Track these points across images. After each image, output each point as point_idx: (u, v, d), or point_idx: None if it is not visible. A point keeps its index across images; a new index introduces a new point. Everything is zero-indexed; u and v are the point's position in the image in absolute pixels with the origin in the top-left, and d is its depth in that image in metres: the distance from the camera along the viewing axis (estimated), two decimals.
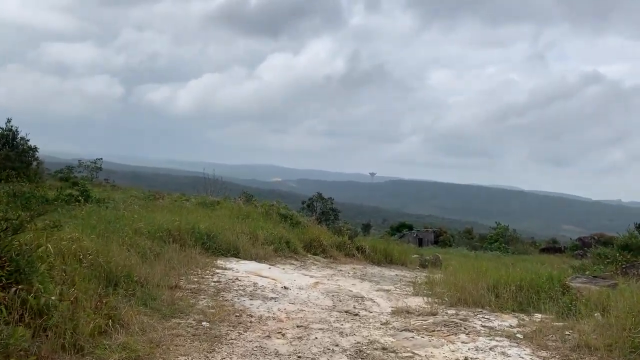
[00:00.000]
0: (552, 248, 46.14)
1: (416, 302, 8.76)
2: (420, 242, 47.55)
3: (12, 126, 26.06)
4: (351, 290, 9.05)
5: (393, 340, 5.99)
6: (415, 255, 24.84)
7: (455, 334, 6.30)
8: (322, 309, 7.51)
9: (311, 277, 10.23)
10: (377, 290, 9.44)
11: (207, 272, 9.17)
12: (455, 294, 9.02)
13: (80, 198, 12.55)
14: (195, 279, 8.40)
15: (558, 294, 9.05)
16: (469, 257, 35.08)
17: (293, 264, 12.10)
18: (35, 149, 25.24)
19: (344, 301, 8.16)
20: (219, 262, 10.42)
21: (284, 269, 10.83)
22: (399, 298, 8.99)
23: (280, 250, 13.21)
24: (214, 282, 8.37)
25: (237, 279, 8.82)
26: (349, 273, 12.09)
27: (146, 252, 8.62)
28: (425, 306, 8.35)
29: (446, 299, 9.05)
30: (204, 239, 11.20)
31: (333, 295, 8.43)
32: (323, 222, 22.73)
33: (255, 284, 8.59)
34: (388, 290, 9.60)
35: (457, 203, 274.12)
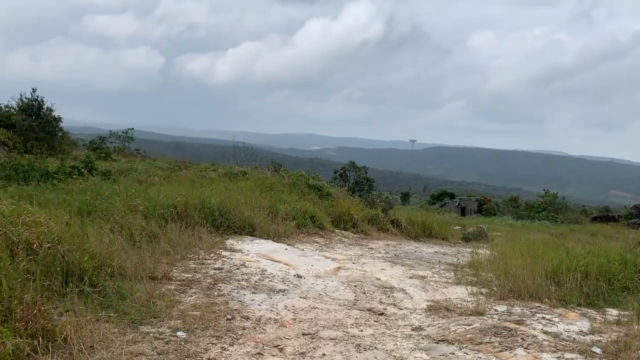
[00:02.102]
0: (605, 217, 43.37)
1: (458, 293, 7.24)
2: (463, 211, 45.47)
3: (37, 96, 25.44)
4: (379, 278, 7.58)
5: (426, 359, 4.52)
6: (457, 227, 23.09)
7: (510, 349, 4.76)
8: (340, 305, 6.09)
9: (333, 259, 8.80)
10: (411, 278, 7.94)
11: (212, 255, 7.88)
12: (506, 282, 7.45)
13: (83, 171, 11.43)
14: (193, 266, 7.11)
15: (637, 283, 7.38)
16: (516, 227, 33.04)
17: (316, 243, 10.70)
18: (59, 119, 24.54)
19: (368, 294, 6.71)
20: (229, 242, 9.12)
21: (303, 249, 9.44)
22: (436, 288, 7.48)
23: (304, 226, 11.83)
24: (215, 269, 7.06)
25: (243, 264, 7.48)
26: (379, 252, 10.63)
27: (136, 234, 7.37)
28: (470, 300, 6.83)
29: (495, 288, 7.49)
30: (215, 216, 9.92)
31: (356, 286, 6.99)
32: (356, 193, 21.20)
33: (263, 271, 7.23)
34: (424, 277, 8.08)
35: (501, 169, 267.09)
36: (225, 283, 6.42)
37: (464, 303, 6.70)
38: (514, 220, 40.02)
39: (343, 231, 13.31)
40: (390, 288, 7.11)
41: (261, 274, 7.03)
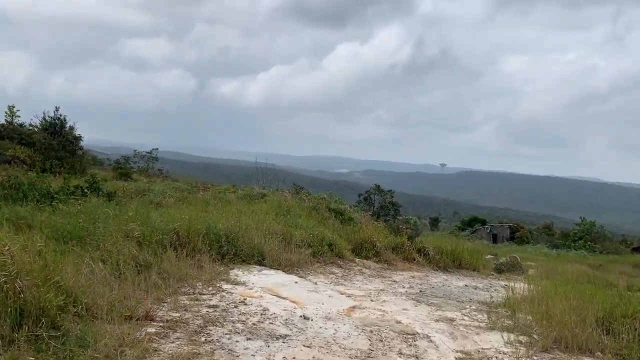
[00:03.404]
0: None
1: (492, 341, 6.14)
2: (495, 239, 43.80)
3: (60, 115, 25.34)
4: (400, 321, 6.53)
5: None
6: (489, 256, 21.72)
7: None
8: (351, 357, 5.08)
9: (349, 295, 7.79)
10: (437, 321, 6.87)
11: (210, 289, 6.97)
12: (549, 329, 6.33)
13: (86, 191, 10.76)
14: (185, 302, 6.20)
15: None
16: (551, 257, 31.36)
17: (333, 274, 9.70)
18: (80, 138, 24.33)
19: (386, 341, 5.68)
20: (233, 272, 8.22)
21: (315, 282, 8.45)
22: (467, 334, 6.39)
23: (321, 254, 10.85)
24: (209, 307, 6.14)
25: (243, 301, 6.54)
26: (403, 287, 9.56)
27: (123, 264, 6.51)
28: (506, 351, 5.74)
29: (535, 336, 6.38)
30: (221, 242, 9.04)
31: (372, 331, 5.97)
32: (381, 218, 20.13)
33: (265, 310, 6.27)
34: (452, 320, 7.00)
35: (533, 196, 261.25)
36: (217, 325, 5.48)
37: (500, 355, 5.62)
38: (548, 249, 38.25)
39: (364, 260, 12.28)
40: (413, 334, 6.06)
41: (262, 314, 6.07)
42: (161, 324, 5.28)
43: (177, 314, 5.68)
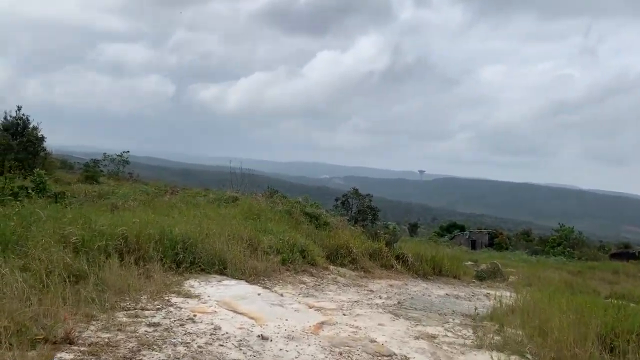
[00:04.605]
0: (625, 253, 41.08)
1: None
2: (474, 245, 43.32)
3: (22, 115, 24.03)
4: (374, 340, 5.65)
5: None
6: (469, 262, 21.05)
7: None
8: None
9: (318, 309, 6.89)
10: (417, 338, 6.00)
11: (156, 303, 6.00)
12: (544, 348, 5.53)
13: (31, 192, 9.70)
14: (122, 319, 5.23)
15: None
16: (530, 263, 30.88)
17: (303, 284, 8.80)
18: (42, 139, 23.03)
19: None
20: (188, 283, 7.26)
21: (282, 294, 7.53)
22: (451, 355, 5.54)
23: (291, 261, 9.94)
24: (150, 325, 5.18)
25: (192, 318, 5.60)
26: (380, 297, 8.70)
27: (50, 274, 5.52)
28: None
29: (529, 356, 5.57)
30: (177, 249, 8.07)
31: (341, 353, 5.07)
32: (359, 223, 19.27)
33: (216, 329, 5.33)
34: (434, 337, 6.14)
35: (510, 202, 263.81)
36: (153, 349, 4.53)
37: None
38: (527, 255, 37.86)
39: (339, 268, 11.41)
40: (389, 356, 5.18)
41: (212, 334, 5.13)
42: (82, 349, 4.32)
43: (108, 335, 4.72)
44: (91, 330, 4.78)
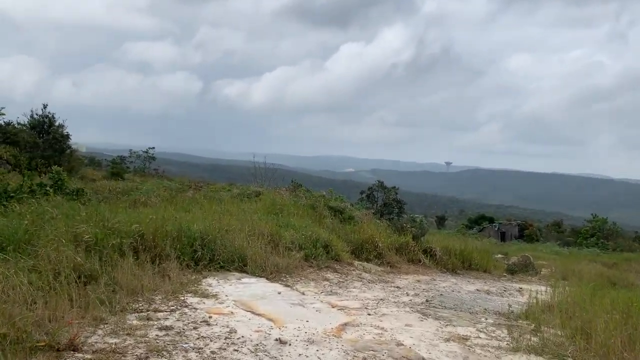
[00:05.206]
0: None
1: None
2: (503, 237, 42.36)
3: (48, 113, 24.22)
4: (401, 343, 5.26)
5: None
6: (499, 255, 20.44)
7: None
8: None
9: (341, 308, 6.52)
10: (448, 340, 5.58)
11: (170, 304, 5.72)
12: (588, 354, 5.05)
13: (48, 189, 9.55)
14: (133, 322, 4.96)
15: None
16: (562, 255, 29.96)
17: (327, 281, 8.44)
18: (68, 137, 23.17)
19: None
20: (206, 282, 6.98)
21: (303, 292, 7.18)
22: (485, 359, 5.11)
23: (314, 257, 9.59)
24: (162, 328, 4.88)
25: (207, 320, 5.29)
26: (407, 294, 8.30)
27: (57, 274, 5.27)
28: None
29: None
30: (195, 246, 7.80)
31: (365, 359, 4.70)
32: (385, 216, 18.81)
33: (231, 332, 5.01)
34: (466, 339, 5.71)
35: (540, 193, 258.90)
36: (162, 356, 4.23)
37: None
38: (559, 247, 36.79)
39: (365, 263, 11.02)
40: None
41: (226, 338, 4.81)
42: (87, 357, 4.04)
43: (115, 340, 4.44)
44: (98, 335, 4.50)
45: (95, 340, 4.38)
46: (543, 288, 10.81)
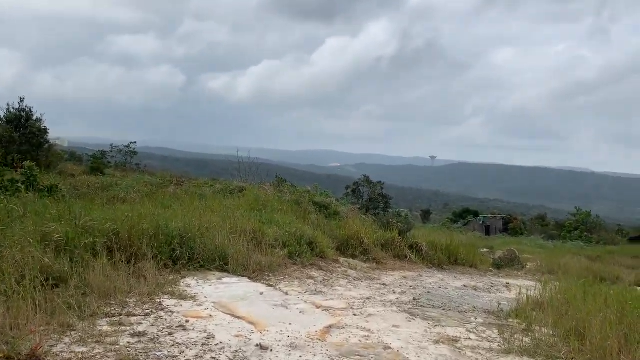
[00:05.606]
0: None
1: None
2: (488, 230, 42.50)
3: (25, 106, 23.52)
4: (389, 346, 5.01)
5: None
6: (484, 250, 20.38)
7: None
8: None
9: (326, 309, 6.25)
10: (437, 342, 5.34)
11: (145, 307, 5.40)
12: (583, 356, 4.85)
13: (20, 186, 9.14)
14: (103, 328, 4.64)
15: None
16: (547, 248, 30.08)
17: (311, 279, 8.17)
18: (45, 131, 22.54)
19: None
20: (185, 282, 6.67)
21: (287, 292, 6.90)
22: None
23: (299, 255, 9.32)
24: (134, 335, 4.57)
25: (184, 325, 4.99)
26: (394, 292, 8.07)
27: (22, 278, 4.92)
28: None
29: None
30: (174, 244, 7.48)
31: None
32: (370, 212, 18.58)
33: (209, 337, 4.72)
34: (456, 341, 5.48)
35: (523, 186, 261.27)
36: None
37: None
38: (543, 240, 36.99)
39: (350, 260, 10.79)
40: None
41: (204, 345, 4.51)
42: None
43: (83, 349, 4.12)
44: (64, 344, 4.18)
45: (60, 350, 4.06)
46: (530, 283, 10.67)
